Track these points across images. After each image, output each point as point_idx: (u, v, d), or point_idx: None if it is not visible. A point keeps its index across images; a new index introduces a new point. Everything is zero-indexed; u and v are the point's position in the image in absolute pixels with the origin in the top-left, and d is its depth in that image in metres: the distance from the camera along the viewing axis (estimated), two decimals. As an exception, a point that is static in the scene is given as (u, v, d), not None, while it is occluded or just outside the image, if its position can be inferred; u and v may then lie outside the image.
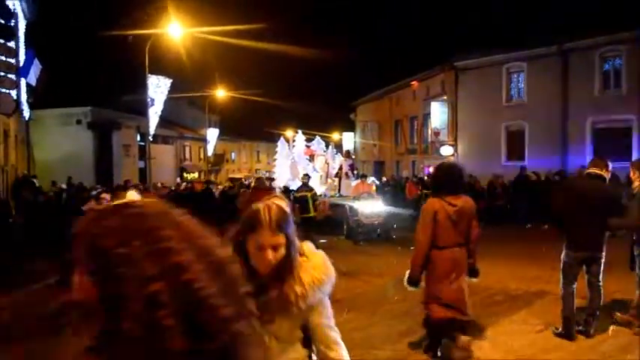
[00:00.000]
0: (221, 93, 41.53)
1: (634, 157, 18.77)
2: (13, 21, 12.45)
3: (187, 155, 46.37)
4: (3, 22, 11.66)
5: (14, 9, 13.69)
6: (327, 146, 20.90)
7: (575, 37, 22.57)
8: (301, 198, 13.86)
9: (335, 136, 43.84)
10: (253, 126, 57.16)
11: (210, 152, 46.22)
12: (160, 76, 27.84)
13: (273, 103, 48.71)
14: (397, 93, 35.88)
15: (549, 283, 7.96)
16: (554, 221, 6.68)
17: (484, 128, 26.03)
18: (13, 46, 12.43)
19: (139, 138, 36.50)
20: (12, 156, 18.51)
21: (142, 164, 36.48)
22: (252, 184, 13.54)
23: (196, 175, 43.88)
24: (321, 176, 18.97)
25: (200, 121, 46.06)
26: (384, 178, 26.54)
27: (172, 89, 31.69)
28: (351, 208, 15.43)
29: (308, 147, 19.92)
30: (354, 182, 17.35)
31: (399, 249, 12.43)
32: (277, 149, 21.56)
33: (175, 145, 43.77)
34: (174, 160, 43.28)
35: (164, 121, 33.79)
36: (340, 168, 18.70)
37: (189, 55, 29.22)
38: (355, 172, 19.41)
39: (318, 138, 20.78)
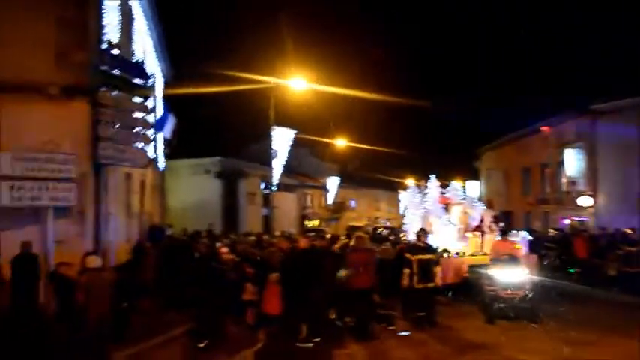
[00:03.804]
0: (341, 142, 42.02)
1: None
2: (151, 81, 13.20)
3: (309, 203, 47.07)
4: (142, 82, 12.35)
5: (152, 72, 14.61)
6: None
7: None
8: (422, 261, 11.32)
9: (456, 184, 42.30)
10: (372, 174, 57.04)
11: (330, 200, 46.58)
12: (283, 128, 28.57)
13: (393, 150, 48.30)
14: (526, 139, 33.98)
15: None
16: None
17: (629, 178, 23.66)
18: (150, 105, 13.08)
19: (263, 186, 37.61)
20: (148, 204, 19.55)
21: (265, 212, 37.47)
22: (352, 243, 11.42)
23: (317, 222, 44.28)
24: (459, 230, 16.04)
25: (320, 169, 46.77)
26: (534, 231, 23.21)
27: (294, 138, 32.43)
28: (486, 275, 12.30)
29: (443, 194, 17.02)
30: (498, 238, 14.03)
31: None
32: (406, 197, 18.93)
33: (297, 193, 44.60)
34: (297, 208, 44.04)
35: (286, 169, 34.60)
36: (481, 220, 15.83)
37: (310, 106, 29.88)
38: (500, 225, 15.93)
39: (454, 184, 17.78)
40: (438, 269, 11.45)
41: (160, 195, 23.80)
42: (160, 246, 15.15)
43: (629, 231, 16.97)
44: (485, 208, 16.71)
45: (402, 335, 10.60)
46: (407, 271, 11.22)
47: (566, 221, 27.87)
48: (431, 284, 11.22)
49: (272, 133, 26.15)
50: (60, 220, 11.03)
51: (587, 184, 25.85)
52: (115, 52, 12.03)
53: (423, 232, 12.23)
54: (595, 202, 25.25)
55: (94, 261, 8.75)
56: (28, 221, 10.96)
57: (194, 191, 32.47)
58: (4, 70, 11.02)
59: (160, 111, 18.98)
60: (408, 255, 11.50)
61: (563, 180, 28.26)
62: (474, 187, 42.45)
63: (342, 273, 10.77)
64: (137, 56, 15.10)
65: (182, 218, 26.23)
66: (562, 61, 57.69)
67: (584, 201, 25.48)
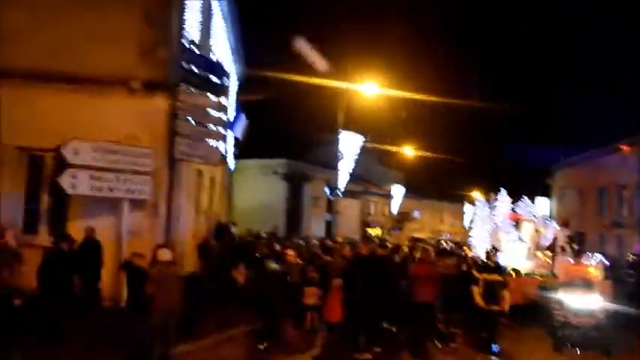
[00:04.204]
0: (408, 151, 41.41)
1: None
2: (225, 79, 13.38)
3: (372, 210, 46.71)
4: (219, 81, 12.53)
5: (228, 71, 14.83)
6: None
7: None
8: (489, 282, 10.53)
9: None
10: (438, 185, 55.93)
11: (395, 210, 46.06)
12: (351, 132, 28.42)
13: (460, 160, 47.05)
14: (603, 158, 32.41)
15: None
16: None
17: None
18: (224, 103, 13.25)
19: (327, 191, 37.61)
20: (216, 202, 19.87)
21: (328, 217, 37.45)
22: (417, 254, 11.06)
23: (379, 230, 43.86)
24: (529, 248, 15.27)
25: (385, 177, 46.33)
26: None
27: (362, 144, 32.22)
28: (556, 299, 11.45)
29: (513, 210, 16.28)
30: (572, 261, 13.49)
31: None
32: (472, 210, 18.60)
33: (361, 200, 44.34)
34: (359, 215, 43.79)
35: (352, 175, 34.49)
36: (555, 239, 14.93)
37: (380, 111, 29.57)
38: (574, 246, 15.18)
39: (526, 199, 16.86)
40: (506, 293, 10.49)
41: (227, 194, 24.16)
42: (225, 244, 15.30)
43: None
44: (559, 227, 15.75)
45: (460, 354, 10.23)
46: (476, 289, 10.53)
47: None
48: (495, 307, 10.35)
49: (339, 137, 26.06)
50: (134, 211, 11.32)
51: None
52: (195, 50, 12.24)
53: (494, 251, 11.63)
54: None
55: (166, 254, 8.85)
56: (104, 211, 11.31)
57: (259, 192, 32.82)
58: (89, 64, 11.41)
59: (232, 110, 19.27)
60: (475, 273, 10.94)
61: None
62: (544, 205, 40.92)
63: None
64: (215, 55, 15.36)
65: (246, 218, 26.51)
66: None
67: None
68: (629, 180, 28.83)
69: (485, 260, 11.33)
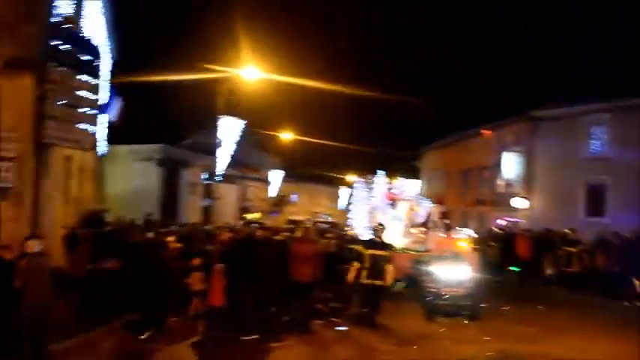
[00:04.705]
0: (287, 136, 41.82)
1: None
2: (98, 60, 12.59)
3: (250, 195, 46.53)
4: (91, 59, 11.77)
5: (101, 51, 13.96)
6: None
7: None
8: (375, 257, 10.80)
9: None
10: (314, 168, 57.03)
11: (273, 194, 46.27)
12: (232, 118, 28.04)
13: (335, 145, 48.28)
14: (467, 141, 34.91)
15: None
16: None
17: (562, 182, 24.78)
18: (97, 83, 12.48)
19: (204, 176, 36.88)
20: (86, 190, 18.77)
21: (205, 202, 36.75)
22: (298, 234, 11.13)
23: (258, 215, 43.87)
24: (404, 225, 15.85)
25: (264, 162, 46.35)
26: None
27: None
28: (428, 272, 12.15)
29: (390, 190, 16.87)
30: (443, 235, 14.19)
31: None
32: (347, 192, 18.94)
33: (239, 185, 43.97)
34: (237, 200, 43.44)
35: (230, 161, 34.08)
36: (428, 216, 15.60)
37: (259, 96, 29.47)
38: (445, 221, 15.84)
39: (401, 180, 17.90)
40: (389, 267, 10.90)
41: (97, 180, 22.86)
42: (96, 234, 14.42)
43: (569, 231, 17.36)
44: (434, 204, 16.59)
45: (341, 330, 10.53)
46: (356, 265, 10.88)
47: (501, 222, 28.84)
48: (379, 282, 10.76)
49: (219, 123, 25.63)
50: (-4, 200, 10.39)
51: (523, 187, 26.85)
52: (66, 26, 11.36)
53: (381, 228, 11.76)
54: (530, 205, 26.28)
55: (35, 245, 8.23)
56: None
57: (132, 179, 31.33)
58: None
59: (106, 92, 18.18)
60: (360, 249, 11.20)
61: (500, 182, 29.25)
62: (414, 186, 43.23)
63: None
64: (87, 34, 14.35)
65: (119, 206, 25.20)
66: (507, 65, 59.42)
67: (519, 203, 26.45)
68: (488, 161, 31.29)
69: (373, 237, 11.59)
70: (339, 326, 10.68)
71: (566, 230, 17.42)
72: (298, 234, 11.44)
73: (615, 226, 19.06)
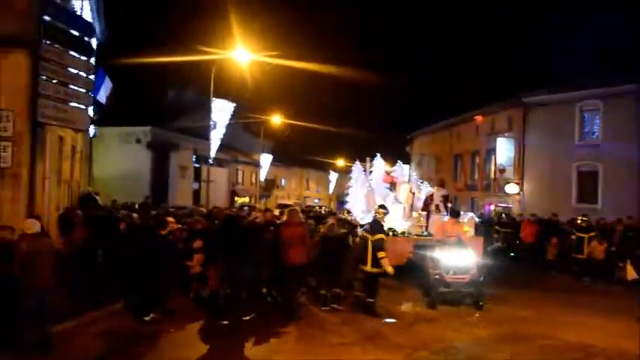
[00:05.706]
0: (276, 119, 41.57)
1: None
2: (92, 39, 12.29)
3: (240, 179, 46.34)
4: (85, 37, 11.47)
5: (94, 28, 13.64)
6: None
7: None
8: (376, 243, 10.30)
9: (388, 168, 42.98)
10: (304, 153, 56.93)
11: (262, 177, 46.12)
12: (223, 100, 27.77)
13: (326, 130, 48.21)
14: (458, 126, 34.93)
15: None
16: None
17: (554, 168, 24.91)
18: (90, 63, 12.19)
19: (195, 160, 36.62)
20: (77, 172, 18.50)
21: (196, 186, 36.54)
22: (284, 217, 10.65)
23: (247, 199, 43.75)
24: (404, 209, 15.28)
25: (253, 145, 46.11)
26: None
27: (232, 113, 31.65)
28: (431, 258, 11.58)
29: (388, 173, 16.40)
30: (447, 219, 13.42)
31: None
32: (352, 175, 17.63)
33: (229, 169, 43.76)
34: (227, 183, 43.24)
35: (220, 144, 33.83)
36: (430, 198, 14.91)
37: (249, 79, 29.17)
38: (449, 205, 15.19)
39: (400, 163, 17.33)
40: (382, 254, 10.20)
41: (86, 162, 22.58)
42: (92, 216, 14.22)
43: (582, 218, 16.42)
44: (435, 187, 15.82)
45: (342, 314, 10.34)
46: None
47: (491, 207, 29.04)
48: (376, 269, 10.22)
49: (210, 105, 25.37)
50: (-9, 181, 10.13)
51: (514, 173, 26.95)
52: (59, 2, 11.06)
53: (383, 211, 11.03)
54: (521, 190, 26.41)
55: (34, 225, 8.02)
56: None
57: (122, 161, 31.08)
58: None
59: (95, 73, 17.86)
60: (366, 234, 10.63)
61: (492, 168, 29.35)
62: (405, 171, 43.29)
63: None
64: (76, 10, 14.05)
65: (108, 189, 24.91)
66: (499, 50, 59.55)
67: (511, 188, 26.55)
68: (480, 147, 31.35)
69: (376, 221, 10.83)
70: (340, 311, 10.54)
71: (579, 217, 17.03)
72: (284, 218, 11.05)
73: (606, 213, 19.35)
